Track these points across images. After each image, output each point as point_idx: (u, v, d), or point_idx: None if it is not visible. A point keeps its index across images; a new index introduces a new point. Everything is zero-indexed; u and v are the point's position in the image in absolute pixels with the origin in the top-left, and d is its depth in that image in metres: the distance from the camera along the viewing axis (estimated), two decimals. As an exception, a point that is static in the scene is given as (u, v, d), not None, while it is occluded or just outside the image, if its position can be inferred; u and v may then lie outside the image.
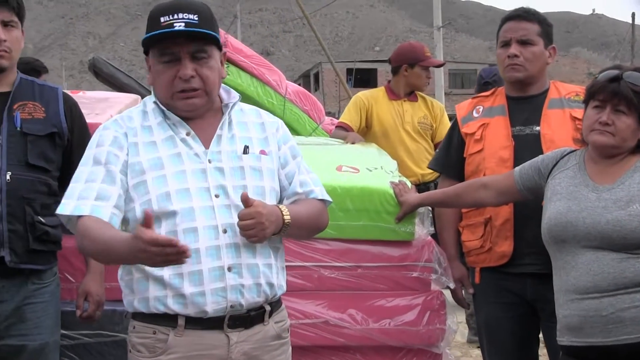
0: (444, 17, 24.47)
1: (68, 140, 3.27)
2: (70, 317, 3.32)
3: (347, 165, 3.87)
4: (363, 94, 5.99)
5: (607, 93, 2.97)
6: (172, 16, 2.48)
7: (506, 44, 3.69)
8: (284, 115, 5.89)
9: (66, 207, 2.46)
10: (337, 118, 8.61)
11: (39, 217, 3.14)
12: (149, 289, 2.49)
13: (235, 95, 2.69)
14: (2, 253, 3.05)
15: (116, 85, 7.54)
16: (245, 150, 2.60)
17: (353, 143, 5.03)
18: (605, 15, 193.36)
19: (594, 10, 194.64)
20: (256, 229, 2.43)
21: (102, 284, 3.28)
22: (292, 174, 2.71)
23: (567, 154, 3.21)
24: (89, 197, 2.45)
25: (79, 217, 2.43)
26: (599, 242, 2.90)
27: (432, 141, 5.93)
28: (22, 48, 3.28)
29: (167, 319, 2.49)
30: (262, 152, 2.64)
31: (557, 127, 3.61)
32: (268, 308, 2.59)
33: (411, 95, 5.96)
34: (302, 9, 16.23)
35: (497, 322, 3.67)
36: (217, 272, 2.47)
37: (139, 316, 2.54)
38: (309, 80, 55.29)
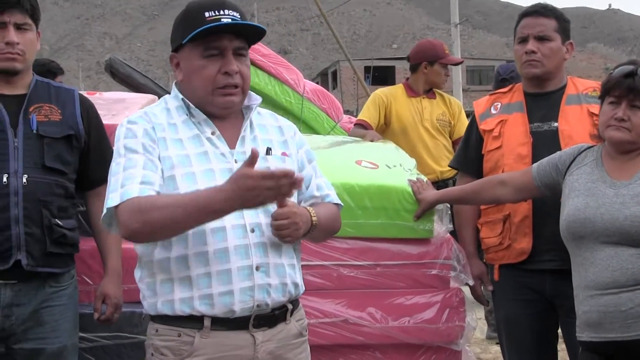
0: (461, 13, 24.44)
1: (85, 143, 3.26)
2: (88, 320, 3.31)
3: (366, 160, 3.88)
4: (382, 92, 5.99)
5: (622, 89, 2.97)
6: (219, 12, 2.50)
7: (524, 40, 3.68)
8: (302, 114, 5.91)
9: (113, 199, 2.42)
10: (355, 116, 8.62)
11: (56, 219, 3.12)
12: (174, 291, 2.48)
13: (257, 98, 2.70)
14: (19, 256, 3.04)
15: (133, 85, 7.56)
16: (268, 151, 2.61)
17: (372, 141, 5.03)
18: (621, 10, 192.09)
19: (610, 5, 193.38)
20: (291, 229, 2.45)
21: (120, 286, 3.28)
22: (309, 177, 2.73)
23: (584, 150, 3.21)
24: (134, 181, 2.42)
25: (122, 203, 2.39)
26: (618, 238, 2.90)
27: (450, 138, 5.93)
28: (37, 50, 3.28)
29: (193, 321, 2.47)
30: (284, 154, 2.66)
31: (575, 123, 3.61)
32: (290, 307, 2.61)
33: (430, 92, 5.97)
34: (320, 7, 16.22)
35: (516, 319, 3.67)
36: (246, 271, 2.47)
37: (162, 319, 2.52)
38: (327, 78, 55.30)
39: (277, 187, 2.25)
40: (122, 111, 3.76)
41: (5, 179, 3.04)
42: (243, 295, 2.46)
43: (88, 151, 3.28)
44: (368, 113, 5.83)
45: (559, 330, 3.70)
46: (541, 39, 3.64)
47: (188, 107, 2.59)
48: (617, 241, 2.90)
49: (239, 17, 2.53)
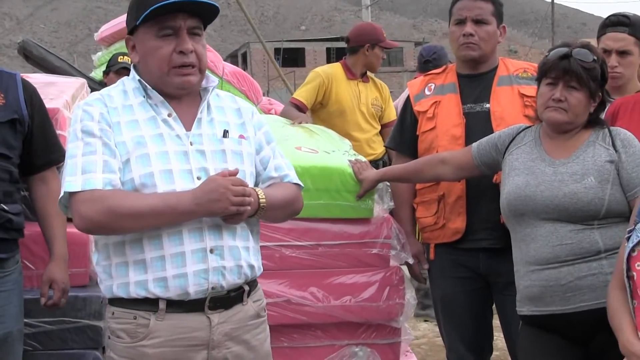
0: (369, -5, 24.54)
1: (29, 127, 3.21)
2: (31, 305, 3.28)
3: (306, 147, 3.91)
4: (323, 71, 5.94)
5: (558, 70, 3.06)
6: None
7: (461, 22, 3.73)
8: (222, 96, 5.88)
9: (73, 183, 2.42)
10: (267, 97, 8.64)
11: (2, 204, 3.07)
12: (129, 274, 2.48)
13: (214, 80, 2.70)
14: None
15: (47, 68, 7.40)
16: (225, 134, 2.62)
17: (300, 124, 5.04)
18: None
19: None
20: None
21: (66, 270, 3.24)
22: (267, 159, 2.74)
23: (523, 129, 3.30)
24: (95, 169, 2.43)
25: (83, 192, 2.40)
26: (557, 215, 3.00)
27: (380, 121, 5.99)
28: None
29: (148, 304, 2.48)
30: (241, 137, 2.67)
31: (506, 104, 3.69)
32: (247, 288, 2.62)
33: (364, 76, 6.00)
34: (232, -11, 16.15)
35: (452, 296, 3.76)
36: (200, 254, 2.48)
37: (118, 302, 2.53)
38: (237, 60, 54.96)
39: (241, 200, 2.42)
40: (59, 95, 3.70)
41: None
42: (197, 277, 2.47)
43: (32, 136, 3.23)
44: (306, 94, 5.77)
45: (494, 307, 3.80)
46: (478, 22, 3.70)
47: (145, 89, 2.58)
48: (557, 217, 3.00)
49: None
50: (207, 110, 2.65)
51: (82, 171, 2.43)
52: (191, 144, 2.55)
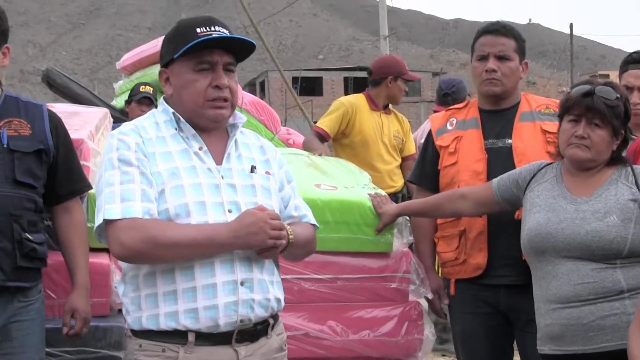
0: (387, 25, 24.62)
1: (53, 157, 3.23)
2: (53, 334, 3.27)
3: (325, 184, 3.92)
4: (347, 101, 5.96)
5: (581, 107, 3.06)
6: (210, 28, 2.58)
7: (484, 58, 3.74)
8: (241, 126, 5.89)
9: (113, 211, 2.45)
10: (285, 126, 8.65)
11: (27, 234, 3.09)
12: (158, 305, 2.50)
13: (242, 117, 2.75)
14: None
15: (70, 95, 7.47)
16: (252, 169, 2.67)
17: (321, 155, 5.05)
18: (541, 25, 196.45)
19: (530, 19, 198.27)
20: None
21: (88, 300, 3.24)
22: (288, 198, 2.80)
23: (544, 166, 3.29)
24: (134, 198, 2.47)
25: (123, 219, 2.44)
26: (579, 253, 2.99)
27: (400, 154, 6.00)
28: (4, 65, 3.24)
29: (177, 336, 2.50)
30: (267, 173, 2.72)
31: (528, 140, 3.68)
32: (272, 321, 2.65)
33: (386, 108, 6.02)
34: (250, 18, 16.21)
35: (472, 332, 3.73)
36: (231, 285, 2.51)
37: (146, 334, 2.53)
38: (255, 89, 55.26)
39: (279, 234, 2.49)
40: (83, 126, 3.72)
41: None
42: (227, 310, 2.50)
43: (56, 166, 3.25)
44: (329, 123, 5.78)
45: (514, 344, 3.77)
46: (501, 58, 3.71)
47: (178, 121, 2.63)
48: (579, 256, 2.99)
49: (229, 33, 2.60)
50: (235, 146, 2.70)
51: (121, 199, 2.46)
52: (222, 177, 2.59)
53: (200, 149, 2.61)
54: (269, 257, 2.58)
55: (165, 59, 2.65)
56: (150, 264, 2.51)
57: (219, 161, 2.62)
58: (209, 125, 2.64)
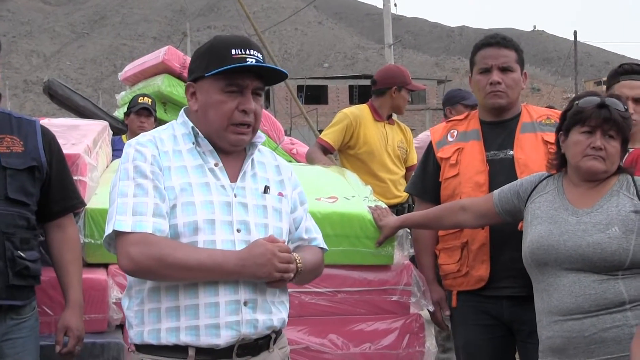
0: (392, 34, 24.67)
1: (47, 174, 3.21)
2: (49, 352, 3.23)
3: (325, 197, 3.90)
4: (350, 112, 5.95)
5: (598, 119, 3.04)
6: (244, 51, 2.57)
7: (486, 71, 3.72)
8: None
9: (123, 223, 2.46)
10: (289, 135, 8.64)
11: (19, 252, 3.07)
12: (161, 320, 2.50)
13: (261, 136, 2.74)
14: None
15: (72, 107, 7.45)
16: (266, 190, 2.67)
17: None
18: (545, 32, 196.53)
19: (534, 27, 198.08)
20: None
21: (81, 317, 3.21)
22: (300, 219, 2.80)
23: (545, 178, 3.27)
24: (146, 212, 2.47)
25: (133, 233, 2.44)
26: (581, 265, 2.96)
27: (404, 164, 5.98)
28: None
29: (178, 351, 2.50)
30: (280, 194, 2.72)
31: (530, 151, 3.67)
32: (273, 335, 2.64)
33: (390, 118, 6.01)
34: (255, 27, 16.20)
35: (475, 344, 3.71)
36: (234, 305, 2.50)
37: (148, 348, 2.54)
38: (260, 97, 55.24)
39: (286, 267, 2.49)
40: (80, 140, 3.70)
41: None
42: (229, 329, 2.50)
43: (49, 183, 3.22)
44: (333, 135, 5.79)
45: (517, 355, 3.75)
46: (504, 70, 3.70)
47: (196, 136, 2.62)
48: (580, 267, 2.96)
49: (262, 58, 2.60)
50: (251, 165, 2.69)
51: (133, 212, 2.47)
52: (235, 195, 2.59)
53: (216, 165, 2.61)
54: (277, 288, 2.58)
55: (196, 74, 2.64)
56: (156, 279, 2.51)
57: (233, 179, 2.62)
58: (227, 148, 2.64)
